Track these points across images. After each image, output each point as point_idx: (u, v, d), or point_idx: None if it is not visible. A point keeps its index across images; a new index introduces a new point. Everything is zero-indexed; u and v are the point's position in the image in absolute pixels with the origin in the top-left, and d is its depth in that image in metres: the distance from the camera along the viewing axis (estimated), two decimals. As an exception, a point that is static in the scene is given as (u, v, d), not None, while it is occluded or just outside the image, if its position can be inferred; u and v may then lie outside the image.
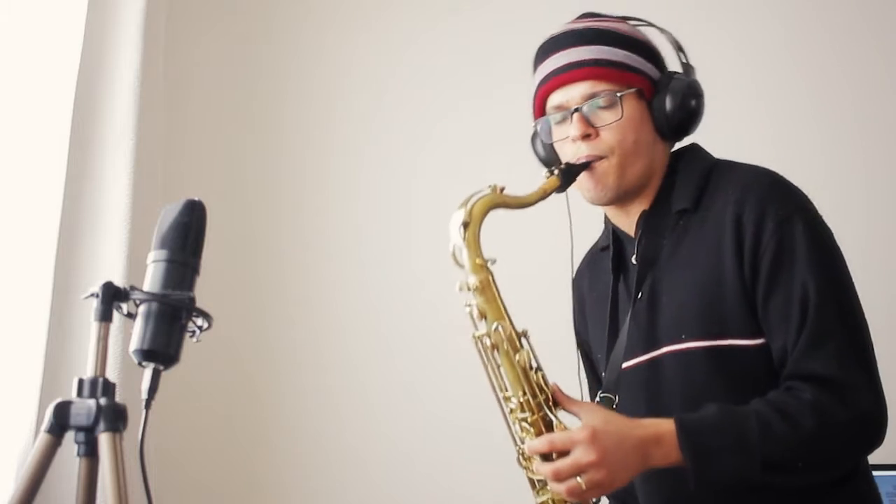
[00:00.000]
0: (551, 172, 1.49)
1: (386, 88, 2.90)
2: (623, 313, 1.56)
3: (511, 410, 1.43)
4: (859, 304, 1.44)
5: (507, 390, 1.43)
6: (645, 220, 1.55)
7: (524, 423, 1.42)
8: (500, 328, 1.41)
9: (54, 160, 2.14)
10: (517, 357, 1.41)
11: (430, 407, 2.68)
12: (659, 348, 1.50)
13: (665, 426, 1.35)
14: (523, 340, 1.42)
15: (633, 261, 1.56)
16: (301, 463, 2.68)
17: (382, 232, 2.82)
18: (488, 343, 1.43)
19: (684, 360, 1.47)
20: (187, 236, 1.22)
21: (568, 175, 1.49)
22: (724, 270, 1.45)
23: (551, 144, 1.57)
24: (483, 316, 1.42)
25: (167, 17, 2.51)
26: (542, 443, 1.36)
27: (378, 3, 2.98)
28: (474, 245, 1.42)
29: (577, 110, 1.50)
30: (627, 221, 1.59)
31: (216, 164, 2.84)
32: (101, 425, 1.13)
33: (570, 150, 1.52)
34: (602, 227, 1.70)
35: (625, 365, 1.53)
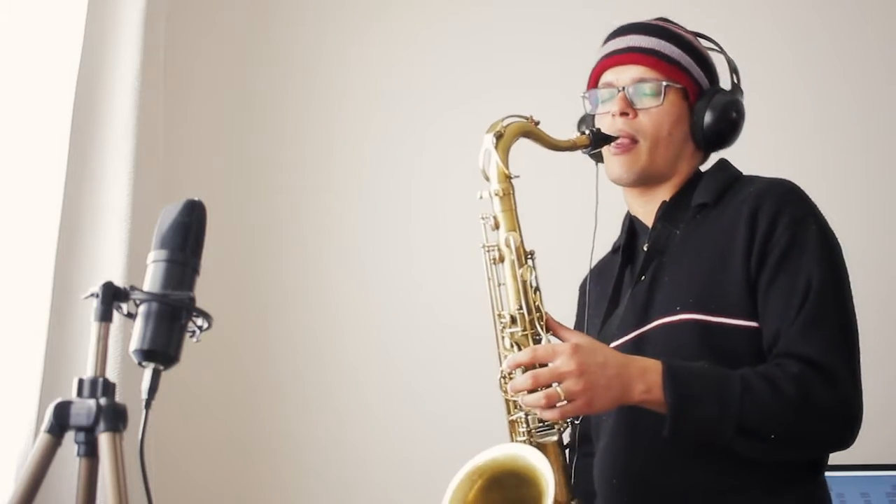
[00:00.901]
0: (582, 132, 1.58)
1: (386, 88, 2.91)
2: (624, 296, 1.61)
3: (503, 326, 1.48)
4: (854, 311, 1.48)
5: (502, 308, 1.49)
6: (664, 210, 1.61)
7: (513, 341, 1.46)
8: (511, 239, 1.48)
9: (54, 160, 2.14)
10: (521, 271, 1.47)
11: (431, 406, 2.68)
12: (651, 322, 1.54)
13: (651, 363, 1.40)
14: (529, 260, 1.49)
15: (644, 248, 1.61)
16: (301, 463, 2.68)
17: (382, 232, 2.82)
18: (495, 256, 1.49)
19: (674, 332, 1.50)
20: (187, 236, 1.22)
21: (597, 138, 1.57)
22: (731, 257, 1.50)
23: (592, 116, 1.66)
24: (497, 226, 1.50)
25: (167, 17, 2.51)
26: (524, 353, 1.40)
27: (378, 3, 2.98)
28: (504, 155, 1.51)
29: (622, 90, 1.59)
30: (646, 211, 1.65)
31: (216, 164, 2.84)
32: (101, 425, 1.13)
33: (607, 124, 1.60)
34: (620, 214, 1.73)
35: (616, 342, 1.57)
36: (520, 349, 1.44)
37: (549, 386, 1.35)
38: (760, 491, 1.44)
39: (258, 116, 2.89)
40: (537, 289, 1.47)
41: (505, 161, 1.50)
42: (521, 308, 1.46)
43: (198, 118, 2.84)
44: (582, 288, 1.78)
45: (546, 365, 1.37)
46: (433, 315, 2.72)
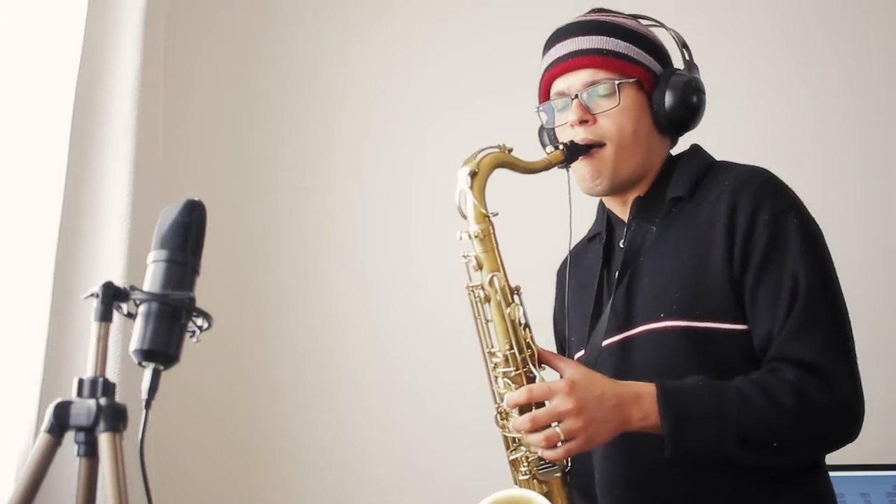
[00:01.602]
0: (556, 147, 1.53)
1: (386, 88, 2.91)
2: (607, 296, 1.58)
3: (495, 365, 1.46)
4: (844, 301, 1.46)
5: (492, 346, 1.46)
6: (638, 206, 1.59)
7: (506, 379, 1.43)
8: (494, 279, 1.44)
9: (54, 160, 2.14)
10: (508, 310, 1.44)
11: (431, 406, 2.68)
12: (635, 327, 1.52)
13: (646, 388, 1.38)
14: (516, 297, 1.45)
15: (621, 244, 1.59)
16: (301, 463, 2.68)
17: (382, 232, 2.82)
18: (481, 295, 1.46)
19: (660, 339, 1.48)
20: (187, 236, 1.22)
21: (572, 151, 1.52)
22: (712, 257, 1.47)
23: (553, 129, 1.61)
24: (479, 267, 1.46)
25: (167, 17, 2.51)
26: (520, 393, 1.38)
27: (378, 3, 2.98)
28: (480, 195, 1.46)
29: (576, 97, 1.55)
30: (622, 208, 1.62)
31: (216, 164, 2.84)
32: (101, 425, 1.13)
33: (569, 135, 1.56)
34: (595, 214, 1.72)
35: (601, 345, 1.55)
36: (514, 387, 1.42)
37: (549, 425, 1.34)
38: (762, 492, 1.43)
39: (258, 116, 2.89)
40: (527, 325, 1.44)
41: (481, 201, 1.45)
42: (511, 348, 1.43)
43: (198, 118, 2.84)
44: (560, 273, 1.75)
45: (544, 403, 1.36)
46: (433, 315, 2.72)
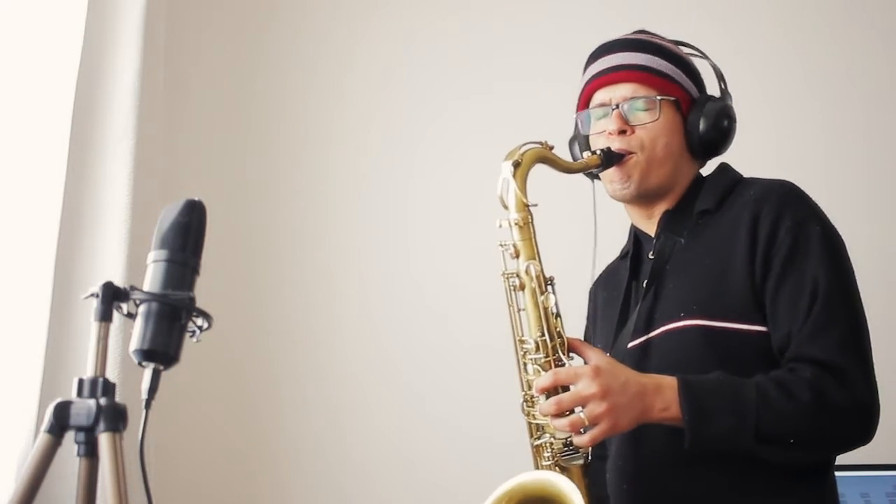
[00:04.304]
0: (593, 152, 1.59)
1: (386, 88, 2.91)
2: (634, 305, 1.63)
3: (525, 352, 1.50)
4: (862, 307, 1.49)
5: (523, 334, 1.51)
6: (666, 219, 1.63)
7: (536, 366, 1.48)
8: (531, 267, 1.50)
9: (54, 160, 2.14)
10: (542, 298, 1.49)
11: (430, 408, 2.68)
12: (656, 329, 1.56)
13: (668, 380, 1.42)
14: (549, 286, 1.51)
15: (650, 256, 1.63)
16: (300, 463, 2.68)
17: (383, 232, 2.82)
18: (516, 283, 1.52)
19: (679, 338, 1.52)
20: (187, 236, 1.22)
21: (608, 157, 1.58)
22: (734, 261, 1.50)
23: (586, 137, 1.66)
24: (517, 255, 1.52)
25: (167, 17, 2.51)
26: (546, 377, 1.43)
27: (379, 3, 2.98)
28: (522, 184, 1.52)
29: (617, 107, 1.60)
30: (649, 223, 1.66)
31: (216, 164, 2.84)
32: (101, 425, 1.13)
33: (603, 143, 1.61)
34: (625, 232, 1.76)
35: (625, 348, 1.58)
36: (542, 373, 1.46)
37: (574, 411, 1.38)
38: (767, 492, 1.45)
39: (258, 116, 2.89)
40: (558, 315, 1.50)
41: (523, 190, 1.51)
42: (543, 335, 1.48)
43: (198, 118, 2.84)
44: (591, 293, 1.81)
45: (569, 388, 1.40)
46: (434, 316, 2.72)
